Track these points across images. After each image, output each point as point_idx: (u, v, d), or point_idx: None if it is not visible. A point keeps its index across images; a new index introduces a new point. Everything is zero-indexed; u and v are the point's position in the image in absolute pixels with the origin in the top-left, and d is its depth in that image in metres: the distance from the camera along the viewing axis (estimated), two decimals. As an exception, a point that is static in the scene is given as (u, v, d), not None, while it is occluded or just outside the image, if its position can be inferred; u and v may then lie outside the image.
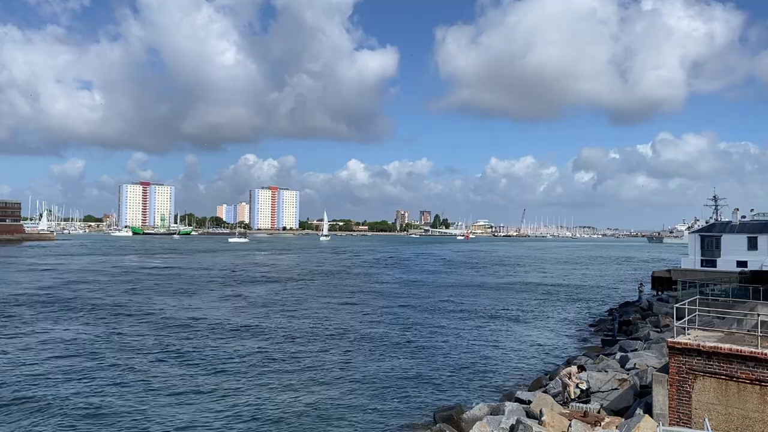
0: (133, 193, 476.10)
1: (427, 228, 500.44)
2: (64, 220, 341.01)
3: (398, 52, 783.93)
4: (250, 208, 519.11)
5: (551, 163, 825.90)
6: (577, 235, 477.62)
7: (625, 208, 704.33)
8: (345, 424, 20.50)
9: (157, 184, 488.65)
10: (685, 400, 14.47)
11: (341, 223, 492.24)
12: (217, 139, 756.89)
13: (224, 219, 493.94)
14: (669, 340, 15.30)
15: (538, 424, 15.60)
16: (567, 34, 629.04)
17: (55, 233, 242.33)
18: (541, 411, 16.43)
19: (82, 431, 19.48)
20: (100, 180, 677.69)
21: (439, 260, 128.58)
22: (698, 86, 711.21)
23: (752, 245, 52.48)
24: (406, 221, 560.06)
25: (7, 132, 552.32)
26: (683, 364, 14.56)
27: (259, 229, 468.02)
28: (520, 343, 35.33)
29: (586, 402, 18.24)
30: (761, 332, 13.91)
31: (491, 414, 17.88)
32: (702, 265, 54.81)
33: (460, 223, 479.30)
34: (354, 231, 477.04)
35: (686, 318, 16.23)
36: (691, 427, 13.83)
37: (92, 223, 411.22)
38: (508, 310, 49.87)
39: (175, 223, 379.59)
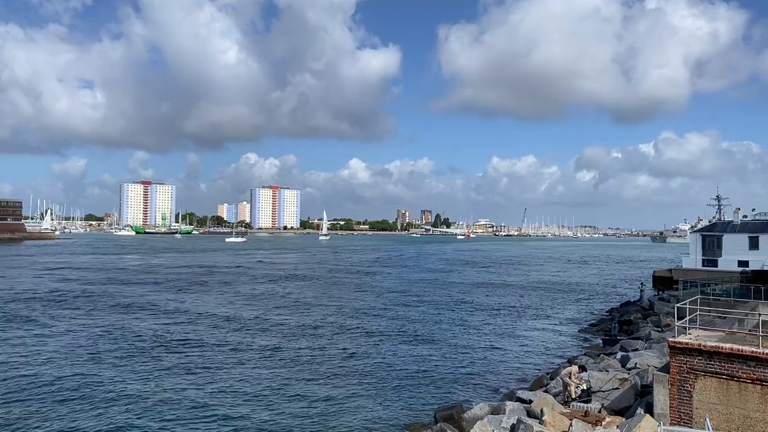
0: (134, 192, 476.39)
1: (428, 227, 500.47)
2: (65, 219, 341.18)
3: (400, 51, 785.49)
4: (251, 207, 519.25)
5: (553, 162, 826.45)
6: (578, 234, 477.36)
7: (627, 208, 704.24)
8: (346, 422, 20.52)
9: (158, 183, 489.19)
10: (686, 399, 14.46)
11: (342, 223, 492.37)
12: (219, 138, 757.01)
13: (225, 218, 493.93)
14: (670, 339, 15.30)
15: (539, 423, 15.60)
16: (570, 32, 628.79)
17: (58, 232, 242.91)
18: (542, 410, 16.43)
19: (84, 429, 19.51)
20: (101, 179, 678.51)
21: (440, 260, 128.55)
22: (701, 85, 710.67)
23: (753, 245, 52.46)
24: (407, 221, 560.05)
25: (8, 131, 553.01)
26: (684, 364, 14.56)
27: (260, 228, 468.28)
28: (520, 343, 35.33)
29: (587, 401, 18.24)
30: (762, 332, 13.90)
31: (492, 413, 17.88)
32: (703, 265, 54.79)
33: (461, 223, 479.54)
34: (355, 230, 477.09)
35: (687, 318, 16.22)
36: (692, 427, 13.82)
37: (93, 222, 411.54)
38: (508, 309, 49.86)
39: (176, 222, 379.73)
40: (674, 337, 15.32)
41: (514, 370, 28.60)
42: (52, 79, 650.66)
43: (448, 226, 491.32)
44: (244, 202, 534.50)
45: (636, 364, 22.33)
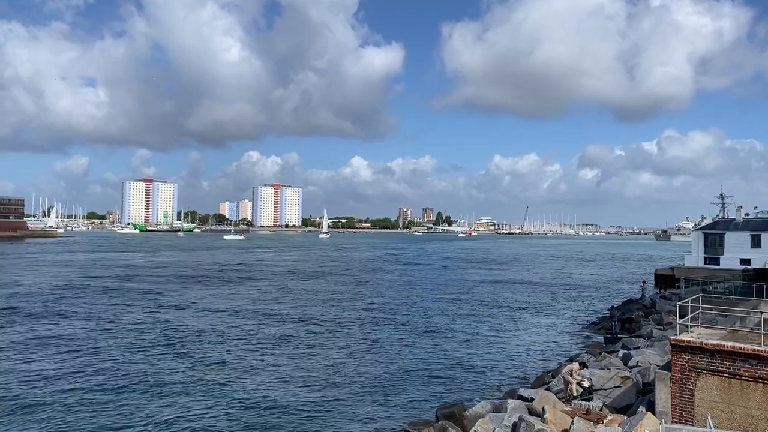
0: (136, 190, 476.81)
1: (429, 225, 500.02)
2: (67, 217, 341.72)
3: (403, 49, 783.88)
4: (253, 205, 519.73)
5: (555, 160, 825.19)
6: (580, 232, 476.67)
7: (629, 206, 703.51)
8: (347, 420, 20.54)
9: (160, 181, 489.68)
10: (688, 397, 14.46)
11: (344, 221, 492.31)
12: (221, 136, 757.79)
13: (227, 216, 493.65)
14: (672, 337, 15.29)
15: (541, 421, 15.60)
16: (574, 30, 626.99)
17: (63, 230, 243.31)
18: (543, 408, 16.43)
19: (86, 427, 19.56)
20: (103, 177, 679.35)
21: (441, 258, 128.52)
22: (705, 83, 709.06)
23: (756, 243, 52.43)
24: (409, 219, 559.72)
25: (11, 129, 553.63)
26: (686, 362, 14.55)
27: (262, 227, 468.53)
28: (522, 341, 35.33)
29: (589, 400, 18.24)
30: (764, 330, 13.89)
31: (494, 411, 17.89)
32: (705, 263, 54.78)
33: (462, 221, 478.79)
34: (356, 228, 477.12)
35: (689, 316, 16.20)
36: (693, 425, 13.82)
37: (95, 220, 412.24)
38: (510, 307, 49.86)
39: (178, 220, 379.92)
40: (676, 335, 15.30)
41: (515, 367, 28.61)
42: (54, 77, 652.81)
43: (449, 224, 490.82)
44: (246, 200, 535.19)
45: (638, 362, 22.32)
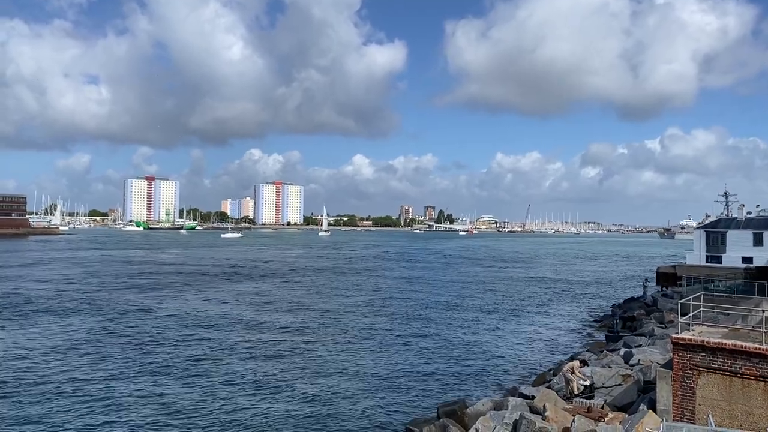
0: (137, 188, 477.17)
1: (431, 223, 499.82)
2: (69, 215, 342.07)
3: (406, 47, 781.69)
4: (254, 203, 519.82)
5: (557, 158, 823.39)
6: (582, 230, 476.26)
7: (631, 204, 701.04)
8: (349, 418, 20.58)
9: (161, 179, 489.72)
10: (689, 396, 14.46)
11: (345, 219, 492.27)
12: (223, 134, 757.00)
13: (229, 214, 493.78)
14: (673, 336, 15.29)
15: (542, 419, 15.61)
16: (578, 28, 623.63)
17: (66, 227, 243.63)
18: (544, 406, 16.45)
19: (88, 425, 19.62)
20: (105, 174, 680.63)
21: (442, 256, 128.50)
22: (709, 81, 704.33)
23: (758, 241, 52.26)
24: (410, 216, 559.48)
25: (13, 127, 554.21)
26: (687, 360, 14.54)
27: (264, 224, 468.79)
28: (523, 339, 35.35)
29: (590, 397, 18.25)
30: (766, 328, 13.87)
31: (495, 409, 17.91)
32: (707, 261, 54.62)
33: (464, 219, 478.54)
34: (358, 226, 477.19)
35: (691, 314, 16.18)
36: (694, 423, 13.82)
37: (97, 218, 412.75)
38: (511, 305, 49.87)
39: (180, 217, 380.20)
40: (677, 333, 15.29)
41: (516, 365, 28.64)
42: (57, 75, 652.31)
43: (451, 222, 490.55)
44: (248, 198, 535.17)
45: (639, 360, 22.30)
